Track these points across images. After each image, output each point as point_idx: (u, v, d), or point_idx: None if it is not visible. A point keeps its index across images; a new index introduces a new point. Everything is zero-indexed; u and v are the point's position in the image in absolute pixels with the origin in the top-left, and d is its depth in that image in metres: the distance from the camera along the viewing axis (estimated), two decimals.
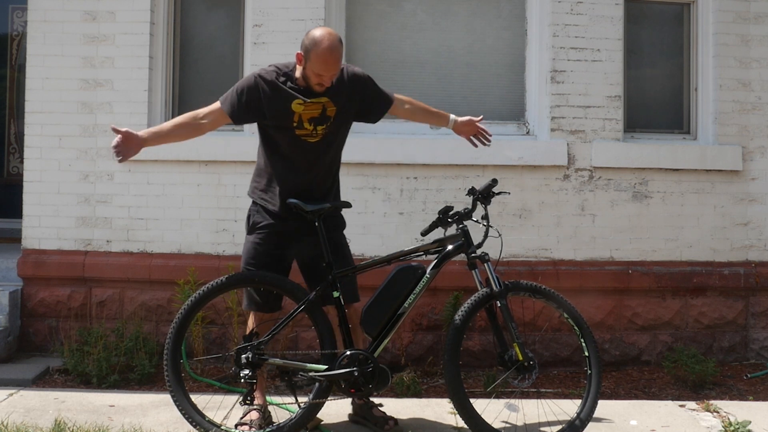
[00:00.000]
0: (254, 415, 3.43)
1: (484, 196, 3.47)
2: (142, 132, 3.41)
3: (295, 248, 3.54)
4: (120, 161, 3.35)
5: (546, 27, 4.94)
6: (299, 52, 3.33)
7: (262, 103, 3.36)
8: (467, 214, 3.46)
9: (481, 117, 3.79)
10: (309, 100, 3.36)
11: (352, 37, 5.03)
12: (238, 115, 3.41)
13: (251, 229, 3.52)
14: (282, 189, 3.45)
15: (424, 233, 3.53)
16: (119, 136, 3.30)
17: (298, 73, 3.39)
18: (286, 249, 3.53)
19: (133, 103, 4.86)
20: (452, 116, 3.75)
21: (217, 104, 3.45)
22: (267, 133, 3.48)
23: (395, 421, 3.56)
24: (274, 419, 3.48)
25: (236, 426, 3.38)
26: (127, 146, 3.33)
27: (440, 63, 5.09)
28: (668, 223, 4.97)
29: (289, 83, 3.38)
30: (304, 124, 3.38)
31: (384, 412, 3.60)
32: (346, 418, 3.70)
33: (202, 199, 4.86)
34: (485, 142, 3.81)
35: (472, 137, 3.81)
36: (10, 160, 6.37)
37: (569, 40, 4.92)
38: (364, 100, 3.53)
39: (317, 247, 3.40)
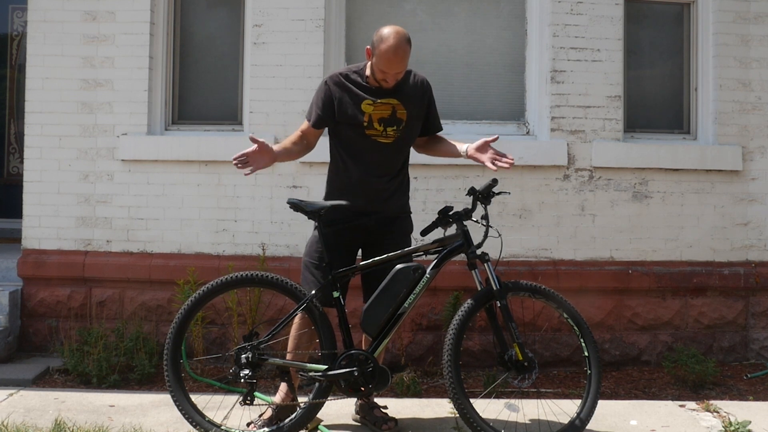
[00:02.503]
0: (268, 413, 3.46)
1: (484, 196, 3.46)
2: (275, 146, 3.41)
3: (365, 246, 3.58)
4: (248, 174, 3.31)
5: (546, 27, 4.94)
6: (368, 47, 3.40)
7: (334, 105, 3.44)
8: (467, 214, 3.45)
9: (496, 137, 3.50)
10: (378, 101, 3.44)
11: (352, 37, 5.03)
12: (316, 120, 3.49)
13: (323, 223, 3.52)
14: (354, 172, 3.49)
15: (424, 233, 3.53)
16: (253, 147, 3.29)
17: (368, 71, 3.48)
18: (352, 248, 3.57)
19: (133, 103, 4.86)
20: (465, 145, 3.52)
21: (305, 121, 3.56)
22: (339, 135, 3.51)
23: (395, 421, 3.57)
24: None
25: (248, 424, 3.41)
26: (260, 158, 3.33)
27: (440, 63, 5.09)
28: (668, 223, 4.97)
29: (359, 82, 3.47)
30: (374, 124, 3.45)
31: (385, 413, 3.60)
32: (346, 419, 3.70)
33: (202, 199, 4.86)
34: (504, 165, 3.40)
35: (489, 162, 3.44)
36: (10, 160, 6.38)
37: (569, 40, 4.92)
38: (428, 111, 3.63)
39: (388, 248, 3.44)
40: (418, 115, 3.58)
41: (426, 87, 3.62)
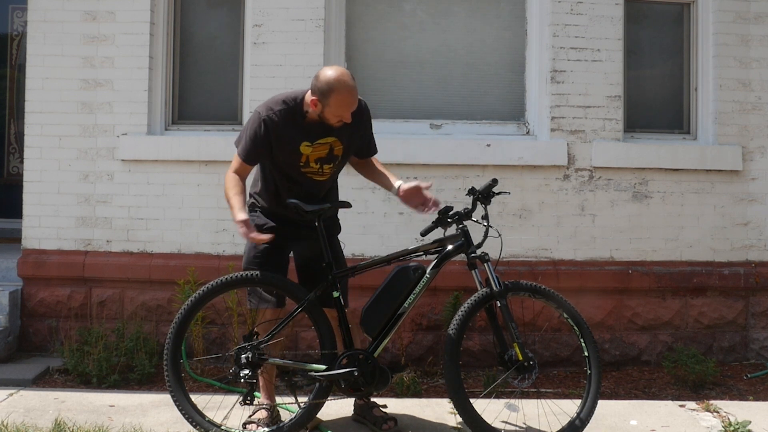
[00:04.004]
0: (263, 413, 3.45)
1: (484, 196, 3.46)
2: (241, 207, 3.29)
3: (295, 249, 3.59)
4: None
5: (546, 27, 4.94)
6: (313, 98, 3.26)
7: (272, 145, 3.36)
8: (467, 214, 3.45)
9: (429, 184, 3.52)
10: (316, 142, 3.38)
11: (352, 37, 5.03)
12: (253, 159, 3.41)
13: (257, 226, 3.51)
14: (284, 197, 3.45)
15: (424, 233, 3.53)
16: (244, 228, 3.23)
17: (307, 107, 3.34)
18: (285, 250, 3.56)
19: (133, 103, 4.86)
20: (399, 182, 3.51)
21: (236, 156, 3.41)
22: (273, 161, 3.45)
23: (395, 421, 3.56)
24: (283, 418, 3.48)
25: (244, 425, 3.39)
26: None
27: (440, 63, 5.09)
28: (668, 223, 4.97)
29: (297, 121, 3.36)
30: (311, 163, 3.42)
31: (385, 413, 3.60)
32: (346, 419, 3.70)
33: (202, 199, 4.86)
34: (427, 211, 3.48)
35: (416, 209, 3.50)
36: (10, 160, 6.37)
37: (569, 40, 4.91)
38: (363, 136, 3.55)
39: (315, 249, 3.41)
40: (354, 144, 3.52)
41: (364, 111, 3.52)
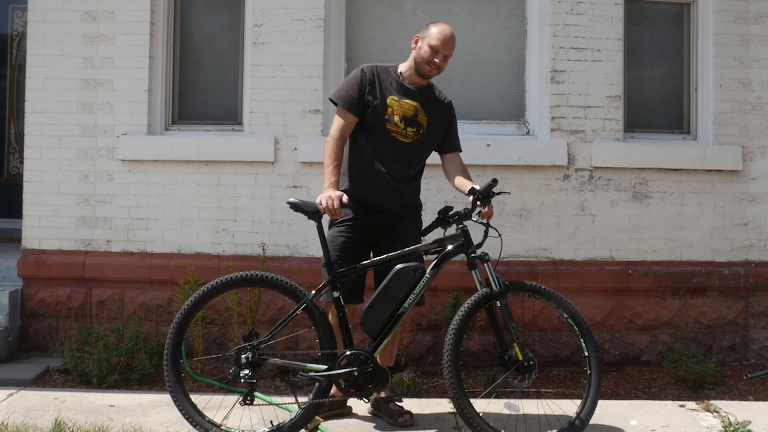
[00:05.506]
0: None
1: (484, 196, 3.47)
2: (334, 182, 3.45)
3: (375, 240, 3.65)
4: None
5: (546, 27, 4.94)
6: (417, 35, 3.63)
7: (365, 90, 3.57)
8: (467, 214, 3.46)
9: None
10: (403, 99, 3.58)
11: (352, 37, 5.03)
12: (350, 103, 3.57)
13: (334, 221, 3.60)
14: (365, 186, 3.58)
15: (424, 233, 3.54)
16: (338, 199, 3.33)
17: (403, 68, 3.68)
18: (366, 241, 3.62)
19: (133, 103, 4.86)
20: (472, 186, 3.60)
21: (336, 112, 3.63)
22: (361, 126, 3.60)
23: (411, 414, 3.62)
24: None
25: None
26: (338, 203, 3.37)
27: None
28: (668, 223, 4.97)
29: (392, 77, 3.65)
30: (395, 119, 3.56)
31: (401, 407, 3.67)
32: (345, 418, 3.71)
33: (202, 199, 4.86)
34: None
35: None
36: (10, 160, 6.37)
37: (569, 40, 4.92)
38: (450, 128, 3.76)
39: (393, 244, 3.51)
40: (438, 126, 3.68)
41: (449, 105, 3.79)
